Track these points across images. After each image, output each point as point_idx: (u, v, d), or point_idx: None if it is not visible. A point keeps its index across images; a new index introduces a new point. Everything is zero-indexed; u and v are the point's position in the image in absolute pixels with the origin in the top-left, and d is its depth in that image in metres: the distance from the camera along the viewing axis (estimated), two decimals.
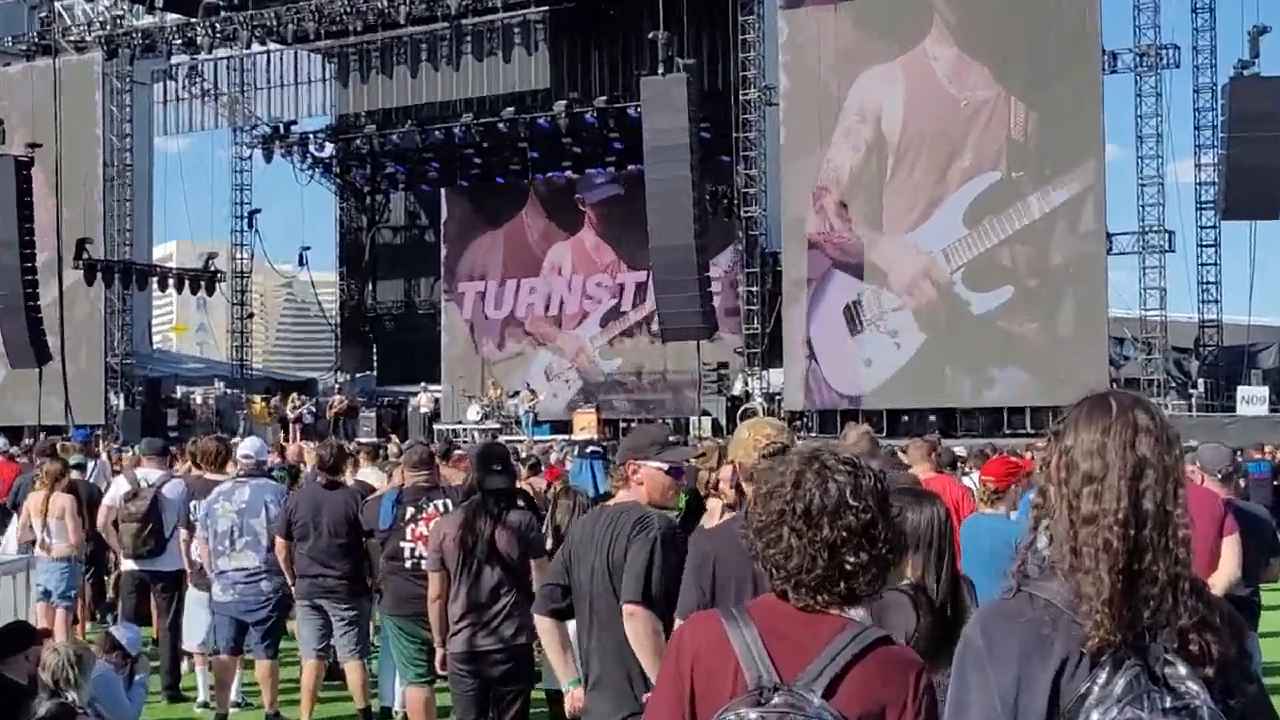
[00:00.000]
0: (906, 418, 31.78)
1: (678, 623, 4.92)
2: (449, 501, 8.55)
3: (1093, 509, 2.50)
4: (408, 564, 8.75)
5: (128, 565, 11.48)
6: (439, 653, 7.69)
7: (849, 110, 32.89)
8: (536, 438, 31.59)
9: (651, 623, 5.12)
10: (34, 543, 11.80)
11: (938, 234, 32.04)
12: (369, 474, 12.80)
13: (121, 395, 40.50)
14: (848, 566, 2.78)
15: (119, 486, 11.77)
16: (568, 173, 42.12)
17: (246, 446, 10.53)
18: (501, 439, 30.81)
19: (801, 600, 2.80)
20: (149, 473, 11.63)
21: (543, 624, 5.74)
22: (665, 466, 5.45)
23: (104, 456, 17.55)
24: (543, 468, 15.13)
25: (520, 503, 8.06)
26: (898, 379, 32.30)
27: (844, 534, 2.78)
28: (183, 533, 10.92)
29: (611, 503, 5.80)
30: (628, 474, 5.58)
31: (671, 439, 5.67)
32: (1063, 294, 30.95)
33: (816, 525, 2.79)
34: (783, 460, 3.00)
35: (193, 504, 10.62)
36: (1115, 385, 30.73)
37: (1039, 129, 31.03)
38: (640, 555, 5.26)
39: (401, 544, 8.84)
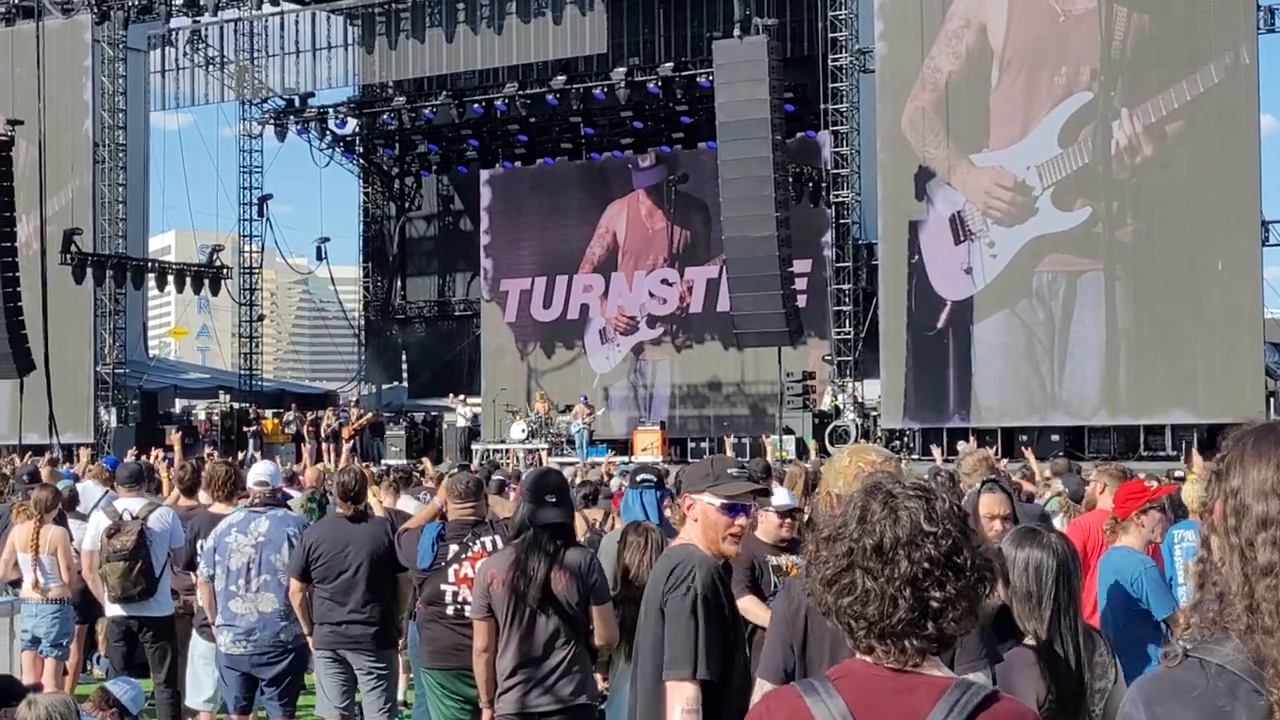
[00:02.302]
0: (1025, 436, 31.62)
1: (761, 685, 4.93)
2: (498, 538, 8.57)
3: (1272, 558, 2.46)
4: (449, 610, 8.75)
5: (114, 610, 11.44)
6: (485, 713, 7.70)
7: (954, 16, 33.41)
8: (591, 459, 31.68)
9: (694, 702, 5.13)
10: (13, 583, 11.87)
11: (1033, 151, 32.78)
12: (404, 504, 12.81)
13: (113, 410, 40.88)
14: (934, 603, 2.80)
15: (97, 522, 11.76)
16: (628, 151, 42.18)
17: (260, 471, 10.54)
18: (551, 461, 30.94)
19: (891, 655, 2.81)
20: (130, 503, 11.57)
21: None
22: (719, 502, 5.37)
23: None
24: (600, 497, 15.10)
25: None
26: (993, 287, 32.95)
27: (924, 566, 2.80)
28: (193, 575, 10.91)
29: (670, 545, 5.84)
30: (684, 510, 5.60)
31: (731, 470, 5.50)
32: (1205, 283, 30.83)
33: (892, 561, 2.81)
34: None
35: (200, 544, 10.57)
36: (1272, 399, 30.65)
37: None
38: (681, 617, 5.22)
39: (443, 587, 8.81)
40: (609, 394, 41.34)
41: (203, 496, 12.37)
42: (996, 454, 26.71)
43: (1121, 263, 31.71)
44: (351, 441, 38.54)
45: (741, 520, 5.43)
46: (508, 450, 35.79)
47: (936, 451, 25.81)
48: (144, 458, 21.94)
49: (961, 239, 33.26)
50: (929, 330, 33.22)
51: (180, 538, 11.08)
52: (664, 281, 41.72)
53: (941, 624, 2.81)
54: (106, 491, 15.71)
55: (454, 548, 8.83)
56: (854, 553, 2.84)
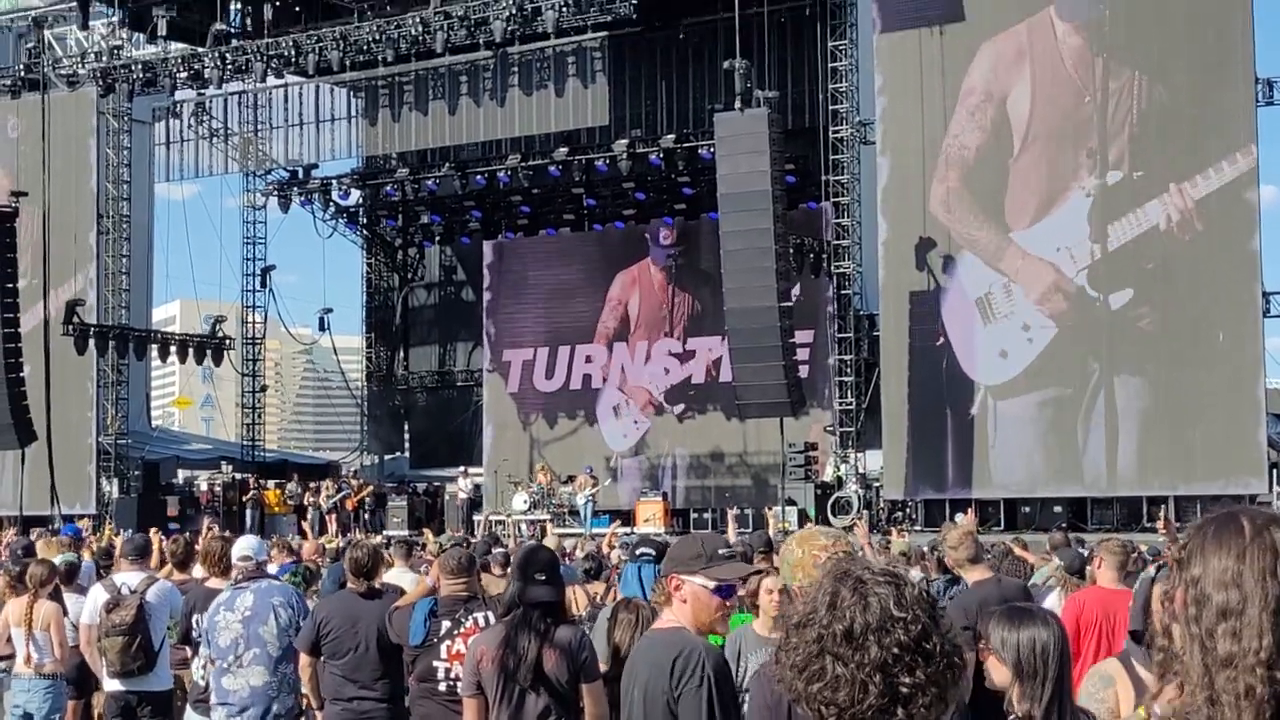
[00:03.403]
0: (1028, 508, 31.60)
1: None
2: (490, 614, 8.56)
3: (1231, 649, 2.47)
4: (442, 686, 8.72)
5: (112, 686, 11.40)
6: None
7: (973, 91, 33.35)
8: (595, 530, 31.57)
9: None
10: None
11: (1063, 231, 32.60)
12: (400, 576, 12.80)
13: (115, 481, 40.82)
14: (903, 689, 2.80)
15: (95, 596, 11.74)
16: (630, 223, 42.29)
17: (244, 546, 10.58)
18: (554, 531, 30.86)
19: None
20: (128, 577, 11.56)
21: None
22: (712, 584, 5.41)
23: (86, 557, 17.61)
24: (605, 570, 15.07)
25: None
26: (1030, 370, 32.64)
27: (894, 652, 2.81)
28: (187, 650, 10.91)
29: (656, 626, 5.82)
30: (670, 590, 5.61)
31: (723, 551, 5.58)
32: (1208, 355, 30.88)
33: (862, 647, 2.82)
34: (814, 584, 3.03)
35: (195, 618, 10.60)
36: (1275, 470, 30.61)
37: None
38: (698, 707, 5.26)
39: (435, 663, 8.79)
40: (610, 463, 41.22)
41: (197, 571, 12.37)
42: (998, 527, 26.75)
43: (1125, 335, 31.67)
44: (355, 514, 38.63)
45: (731, 600, 5.48)
46: (508, 520, 35.70)
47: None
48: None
49: (990, 320, 33.23)
50: (966, 416, 33.04)
51: (180, 610, 11.08)
52: (669, 353, 41.73)
53: (911, 710, 2.81)
54: (84, 564, 15.71)
55: (446, 624, 8.82)
56: (824, 639, 2.85)
